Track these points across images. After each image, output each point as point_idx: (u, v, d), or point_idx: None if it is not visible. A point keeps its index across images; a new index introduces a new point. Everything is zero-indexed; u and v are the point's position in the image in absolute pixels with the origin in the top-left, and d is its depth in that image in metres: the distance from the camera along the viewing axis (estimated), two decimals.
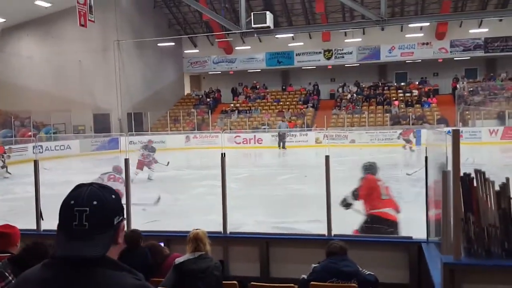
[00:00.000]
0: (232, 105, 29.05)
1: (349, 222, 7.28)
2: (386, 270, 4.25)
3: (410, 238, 4.37)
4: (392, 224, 5.14)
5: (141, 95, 26.34)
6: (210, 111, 27.86)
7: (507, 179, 2.78)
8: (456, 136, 2.82)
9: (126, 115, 25.61)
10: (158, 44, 26.20)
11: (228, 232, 4.88)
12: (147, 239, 4.15)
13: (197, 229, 3.69)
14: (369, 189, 5.31)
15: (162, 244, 4.31)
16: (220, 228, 4.88)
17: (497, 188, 2.79)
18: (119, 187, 8.29)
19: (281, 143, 22.37)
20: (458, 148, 2.81)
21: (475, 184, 2.83)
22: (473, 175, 2.83)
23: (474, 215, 2.84)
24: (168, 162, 13.12)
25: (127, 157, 5.34)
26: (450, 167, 2.99)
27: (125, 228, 1.46)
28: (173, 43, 27.51)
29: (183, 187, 12.41)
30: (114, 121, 25.00)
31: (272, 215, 8.66)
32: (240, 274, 4.54)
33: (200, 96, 30.66)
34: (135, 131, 23.75)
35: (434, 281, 3.24)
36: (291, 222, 7.95)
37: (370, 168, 5.50)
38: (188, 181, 13.37)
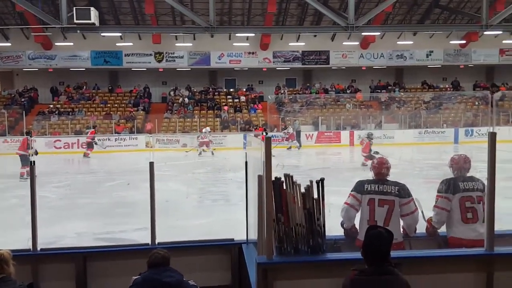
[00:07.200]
0: (51, 106, 26.41)
1: (177, 227, 7.27)
2: (210, 273, 4.28)
3: (232, 240, 4.48)
4: None
5: None
6: (24, 112, 24.70)
7: (311, 181, 3.05)
8: (268, 143, 2.98)
9: None
10: None
11: (38, 249, 4.34)
12: None
13: (0, 250, 3.20)
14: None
15: None
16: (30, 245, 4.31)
17: (303, 190, 3.05)
18: None
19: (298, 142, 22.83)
20: (270, 154, 2.97)
21: (284, 187, 3.04)
22: (283, 179, 3.03)
23: (284, 216, 3.05)
24: None
25: None
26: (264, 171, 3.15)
27: None
28: None
29: None
30: None
31: (96, 226, 8.08)
32: None
33: (13, 95, 27.01)
34: None
35: (251, 281, 3.38)
36: (116, 232, 7.54)
37: (369, 136, 14.50)
38: None
